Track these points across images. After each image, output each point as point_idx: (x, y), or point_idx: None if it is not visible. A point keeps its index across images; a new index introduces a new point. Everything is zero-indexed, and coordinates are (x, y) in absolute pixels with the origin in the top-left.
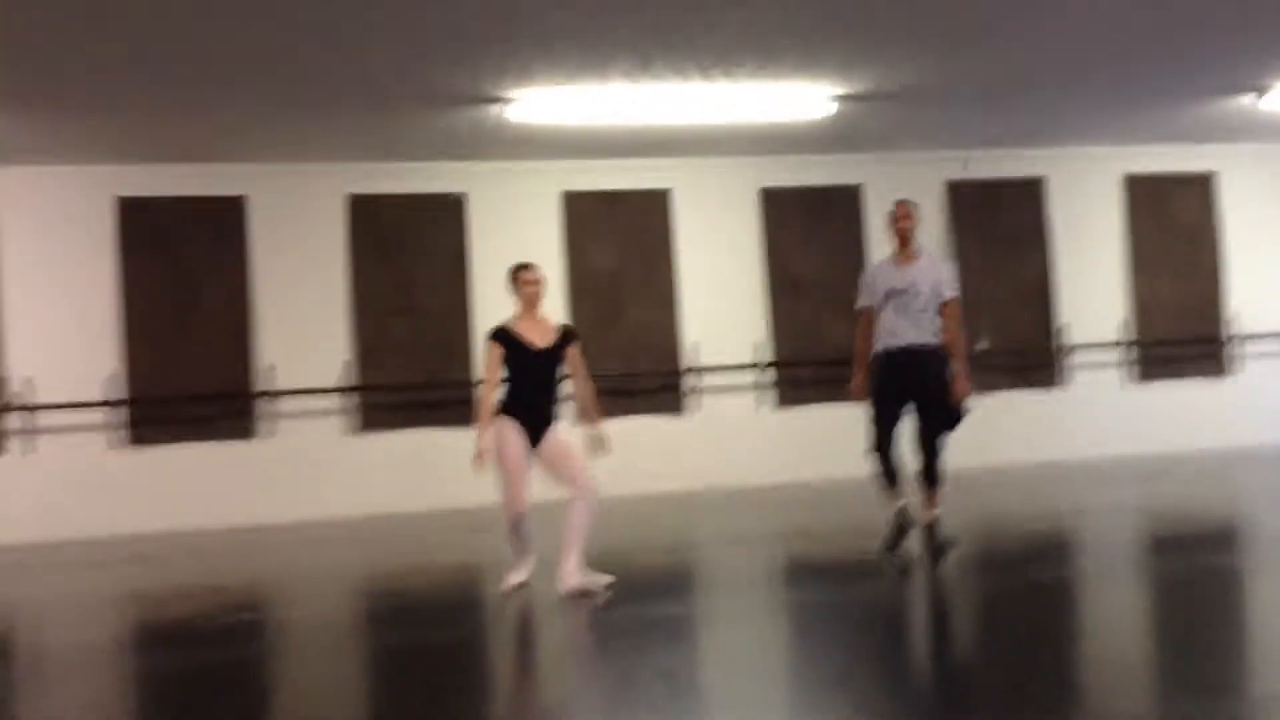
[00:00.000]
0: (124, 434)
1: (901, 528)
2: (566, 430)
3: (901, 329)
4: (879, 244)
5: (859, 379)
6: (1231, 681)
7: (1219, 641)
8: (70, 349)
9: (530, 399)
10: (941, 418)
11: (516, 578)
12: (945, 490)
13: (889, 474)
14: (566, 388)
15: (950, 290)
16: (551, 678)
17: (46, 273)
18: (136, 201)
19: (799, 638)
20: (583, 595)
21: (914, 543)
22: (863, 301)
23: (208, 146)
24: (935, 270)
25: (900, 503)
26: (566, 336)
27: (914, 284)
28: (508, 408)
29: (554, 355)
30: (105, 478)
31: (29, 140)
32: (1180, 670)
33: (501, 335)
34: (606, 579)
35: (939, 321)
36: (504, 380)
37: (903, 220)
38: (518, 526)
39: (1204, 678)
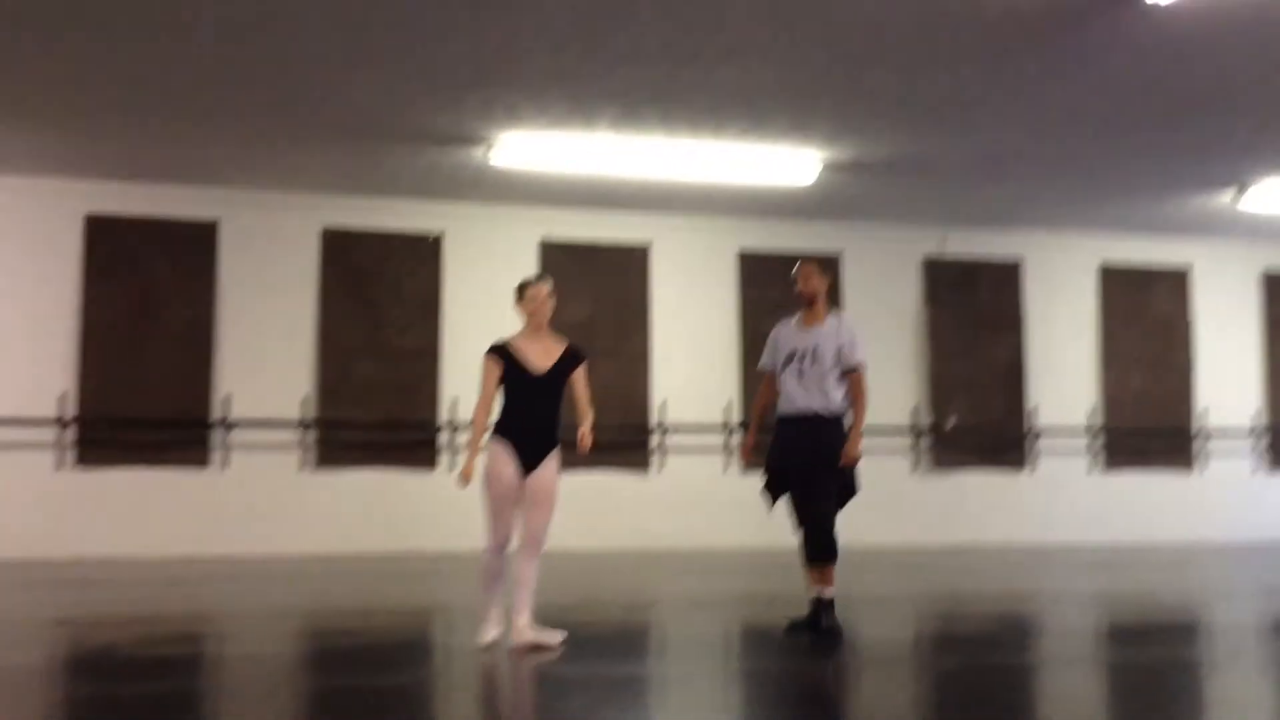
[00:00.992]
0: (72, 454)
1: (815, 614)
2: (557, 466)
3: (796, 394)
4: (854, 312)
5: (749, 441)
6: None
7: None
8: (23, 363)
9: (526, 423)
10: (826, 491)
11: (493, 632)
12: (833, 569)
13: (806, 548)
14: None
15: (854, 357)
16: None
17: (7, 284)
18: (105, 220)
19: (744, 706)
20: (536, 650)
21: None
22: (763, 362)
23: (183, 168)
24: (839, 334)
25: (813, 590)
26: (572, 357)
27: (815, 348)
28: (501, 429)
29: (555, 378)
30: (48, 497)
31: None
32: None
33: (500, 352)
34: (560, 635)
35: (840, 391)
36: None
37: (802, 281)
38: (500, 556)
39: None
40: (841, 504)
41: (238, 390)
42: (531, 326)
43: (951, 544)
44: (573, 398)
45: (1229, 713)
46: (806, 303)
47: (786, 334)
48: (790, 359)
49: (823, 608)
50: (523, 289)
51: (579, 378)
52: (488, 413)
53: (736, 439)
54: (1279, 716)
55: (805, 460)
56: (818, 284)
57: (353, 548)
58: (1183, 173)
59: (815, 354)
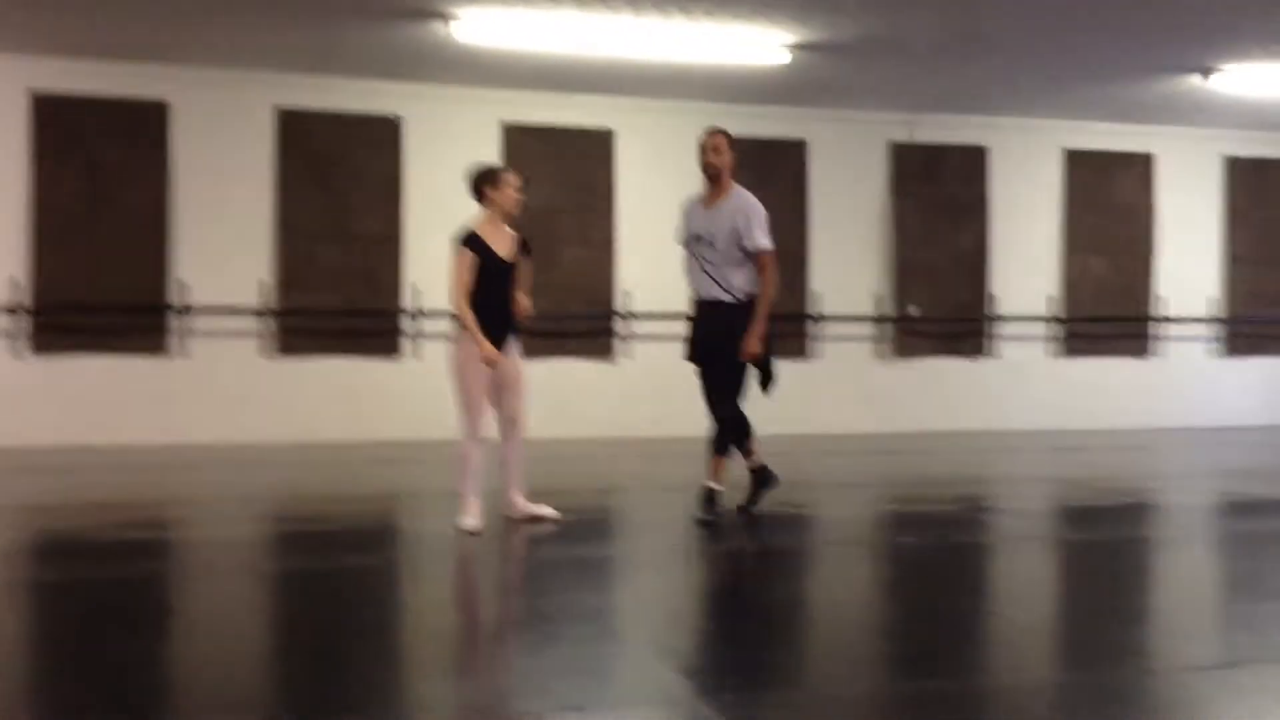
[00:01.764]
0: (27, 341)
1: (713, 503)
2: (519, 351)
3: (699, 281)
4: (820, 199)
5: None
6: (1130, 650)
7: (1120, 610)
8: None
9: (495, 312)
10: (728, 379)
11: (473, 520)
12: (729, 460)
13: (713, 439)
14: None
15: (756, 240)
16: (464, 606)
17: None
18: (53, 98)
19: (709, 583)
20: (535, 520)
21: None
22: (677, 238)
23: (131, 44)
24: (739, 215)
25: (714, 482)
26: (525, 247)
27: (713, 231)
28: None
29: (515, 267)
30: (3, 386)
31: None
32: (1078, 638)
33: (474, 242)
34: (553, 511)
35: (742, 274)
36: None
37: (710, 154)
38: (477, 442)
39: (1103, 646)
40: (765, 389)
41: (195, 276)
42: (501, 214)
43: (914, 430)
44: (520, 282)
45: (1178, 585)
46: (710, 178)
47: (692, 212)
48: (693, 241)
49: (706, 496)
50: (498, 174)
51: (526, 268)
52: (470, 300)
53: None
54: (1226, 588)
55: (708, 351)
56: (726, 157)
57: (316, 436)
58: (1150, 56)
59: (711, 236)
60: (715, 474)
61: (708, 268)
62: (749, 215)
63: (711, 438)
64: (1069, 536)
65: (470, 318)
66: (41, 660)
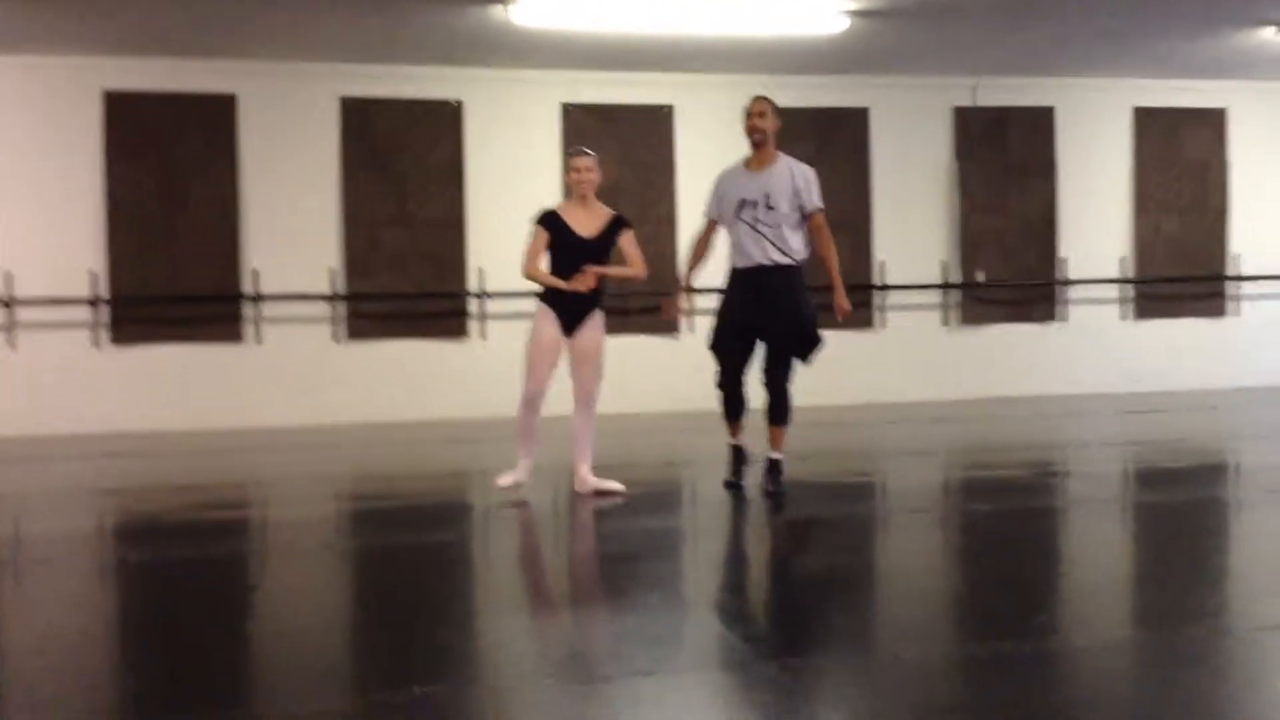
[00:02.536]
0: (107, 332)
1: (739, 462)
2: (600, 326)
3: (751, 246)
4: (883, 167)
5: (675, 300)
6: (1205, 611)
7: (1195, 572)
8: (52, 244)
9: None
10: (791, 348)
11: (514, 476)
12: (789, 429)
13: (730, 409)
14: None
15: (816, 201)
16: (535, 577)
17: (29, 164)
18: (124, 95)
19: (778, 553)
20: (602, 495)
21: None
22: (709, 211)
23: (197, 40)
24: (794, 178)
25: (738, 440)
26: (616, 226)
27: (769, 194)
28: (547, 293)
29: (600, 246)
30: (88, 375)
31: (12, 27)
32: (1151, 600)
33: (548, 220)
34: (620, 485)
35: (799, 237)
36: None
37: (756, 118)
38: (530, 408)
39: (1176, 607)
40: (809, 356)
41: (266, 265)
42: (576, 196)
43: (983, 397)
44: (627, 262)
45: (1254, 547)
46: (756, 143)
47: (733, 181)
48: (741, 208)
49: (773, 469)
50: (568, 159)
51: (628, 242)
52: (536, 264)
53: None
54: None
55: (768, 317)
56: (771, 122)
57: (386, 417)
58: (1220, 10)
59: (769, 200)
60: (776, 444)
61: (766, 231)
62: (807, 177)
63: (770, 406)
64: (1142, 499)
65: (539, 273)
66: (130, 636)
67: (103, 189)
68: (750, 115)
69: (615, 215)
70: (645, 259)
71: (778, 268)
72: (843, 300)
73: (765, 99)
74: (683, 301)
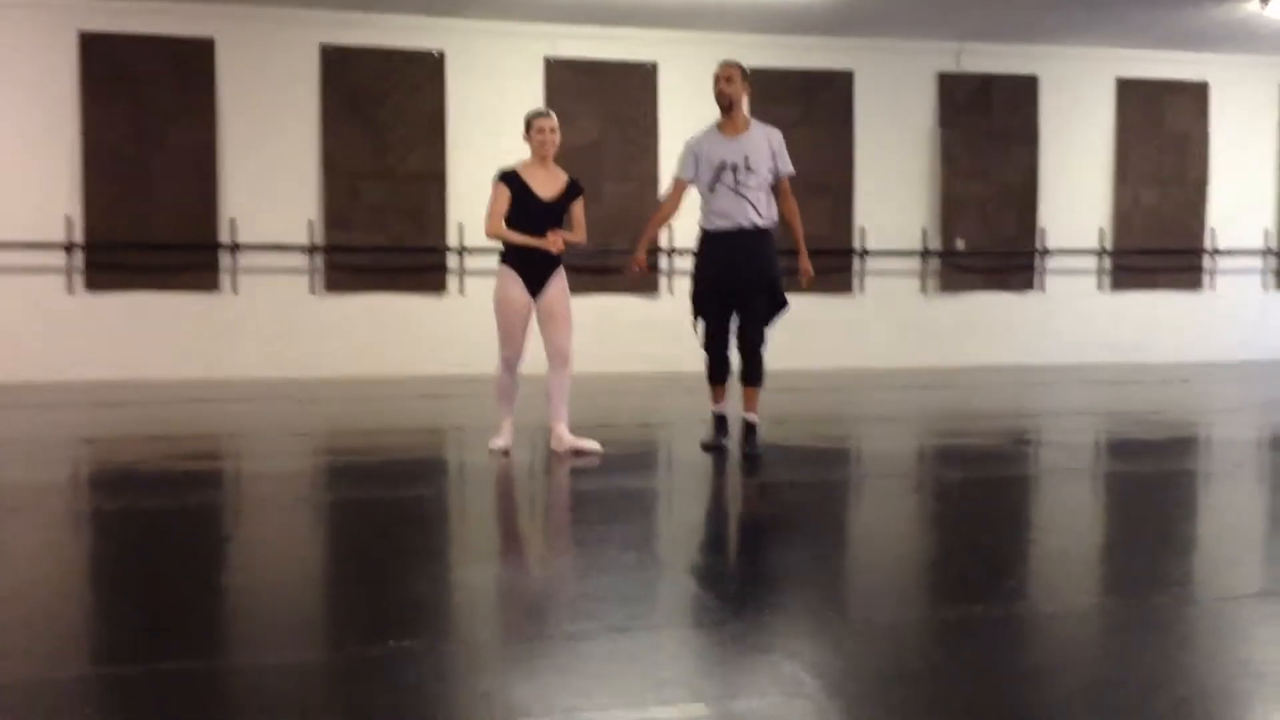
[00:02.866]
0: (81, 278)
1: (720, 426)
2: (564, 284)
3: (732, 208)
4: (866, 131)
5: (642, 255)
6: (1171, 580)
7: (1162, 541)
8: (26, 187)
9: (533, 249)
10: (763, 311)
11: (501, 441)
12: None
13: (716, 371)
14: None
15: (788, 166)
16: (509, 535)
17: (3, 106)
18: (100, 37)
19: (750, 515)
20: (578, 454)
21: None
22: (683, 174)
23: None
24: (774, 141)
25: (721, 406)
26: (573, 190)
27: (748, 157)
28: (508, 255)
29: (559, 208)
30: (61, 321)
31: None
32: (1118, 568)
33: (510, 179)
34: (597, 444)
35: (770, 201)
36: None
37: (723, 83)
38: (510, 371)
39: (1144, 576)
40: (773, 319)
41: (244, 214)
42: (537, 158)
43: (960, 365)
44: (571, 223)
45: (1222, 517)
46: (725, 108)
47: (710, 145)
48: (721, 170)
49: (750, 431)
50: (530, 120)
51: (578, 207)
52: (502, 223)
53: None
54: (1270, 520)
55: (749, 278)
56: (740, 88)
57: (363, 371)
58: None
59: (748, 164)
60: (752, 405)
61: (745, 193)
62: (781, 142)
63: (746, 368)
64: (1113, 469)
65: (507, 232)
66: (105, 585)
67: (78, 132)
68: (717, 80)
69: (572, 180)
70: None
71: (756, 230)
72: (808, 265)
73: (733, 64)
74: (643, 259)
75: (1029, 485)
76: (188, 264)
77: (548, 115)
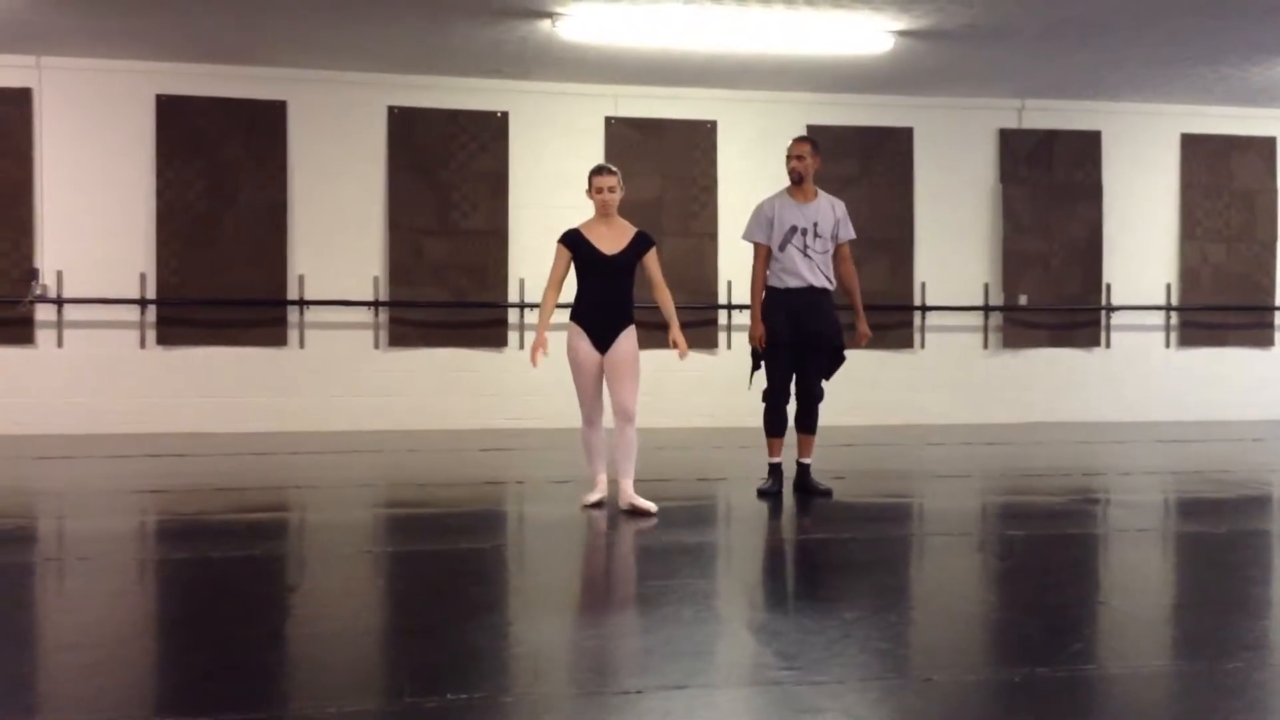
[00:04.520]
0: (154, 333)
1: (778, 476)
2: (633, 341)
3: (804, 269)
4: (926, 187)
5: (761, 324)
6: (1243, 644)
7: (1234, 604)
8: (103, 245)
9: (598, 305)
10: (832, 361)
11: (593, 496)
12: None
13: (779, 424)
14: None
15: (850, 232)
16: (570, 588)
17: (82, 166)
18: (176, 100)
19: (808, 572)
20: (635, 513)
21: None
22: (759, 237)
23: (250, 48)
24: (838, 209)
25: (780, 457)
26: (641, 244)
27: (817, 223)
28: (575, 313)
29: (625, 261)
30: (133, 375)
31: (68, 29)
32: (1188, 630)
33: (570, 238)
34: (654, 505)
35: (832, 265)
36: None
37: (796, 161)
38: (591, 426)
39: (1214, 639)
40: (833, 372)
41: (311, 271)
42: (600, 214)
43: (1023, 422)
44: (648, 282)
45: None
46: (798, 179)
47: (784, 210)
48: (792, 234)
49: (808, 473)
50: (591, 176)
51: (651, 261)
52: (556, 294)
53: None
54: None
55: (817, 333)
56: (810, 164)
57: (425, 424)
58: (1268, 37)
59: (817, 230)
60: (810, 451)
61: (815, 256)
62: (844, 211)
63: (806, 417)
64: (1183, 529)
65: (545, 310)
66: (170, 634)
67: (153, 191)
68: (791, 158)
69: (639, 233)
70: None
71: (824, 290)
72: (865, 327)
73: (805, 140)
74: (763, 327)
75: (1095, 544)
76: (257, 319)
77: (608, 173)
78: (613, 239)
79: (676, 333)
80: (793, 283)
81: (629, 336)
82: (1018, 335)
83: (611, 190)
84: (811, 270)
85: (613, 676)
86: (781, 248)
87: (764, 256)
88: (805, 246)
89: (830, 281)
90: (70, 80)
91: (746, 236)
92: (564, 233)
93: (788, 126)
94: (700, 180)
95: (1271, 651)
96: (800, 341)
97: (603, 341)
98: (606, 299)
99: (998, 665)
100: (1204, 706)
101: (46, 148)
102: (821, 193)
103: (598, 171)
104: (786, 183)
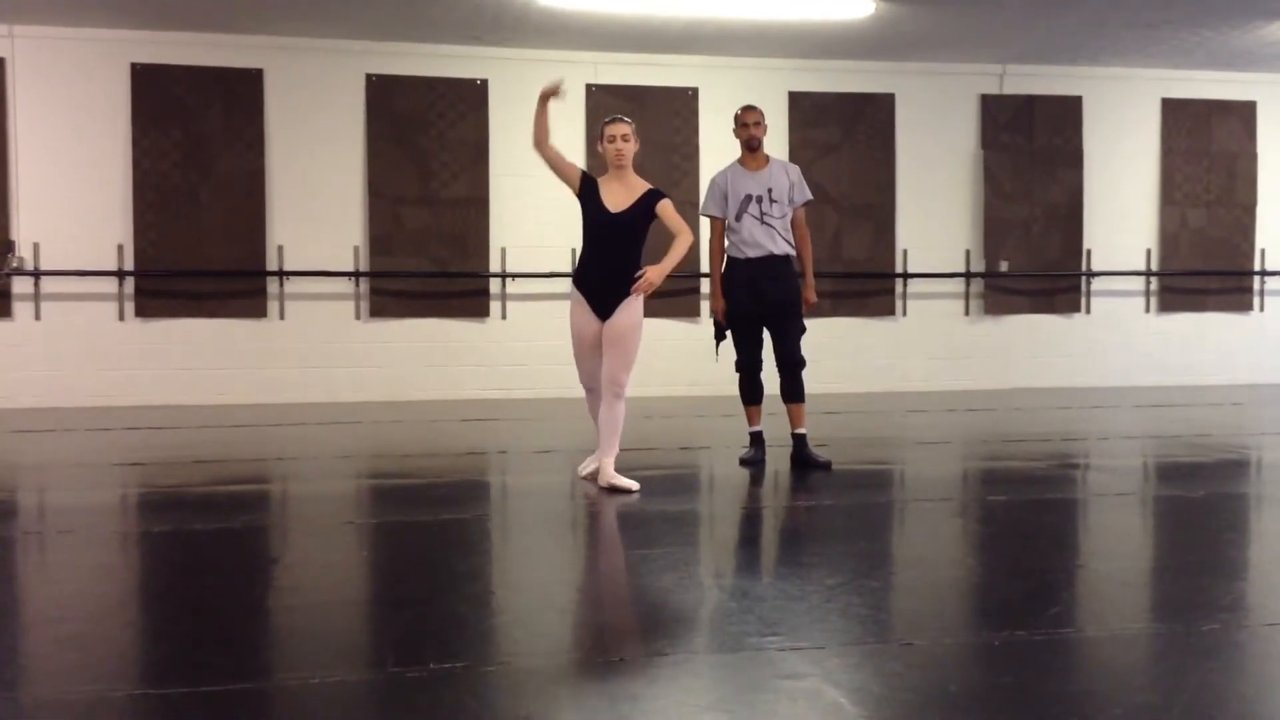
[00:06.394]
0: (132, 305)
1: (759, 445)
2: (634, 311)
3: (761, 237)
4: (908, 154)
5: (721, 299)
6: (1220, 606)
7: (1212, 566)
8: (80, 216)
9: (600, 269)
10: (797, 332)
11: (590, 465)
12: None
13: (753, 393)
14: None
15: (806, 194)
16: (552, 557)
17: (57, 136)
18: (152, 69)
19: (790, 538)
20: (614, 491)
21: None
22: (714, 210)
23: (226, 16)
24: (788, 173)
25: (759, 425)
26: (649, 199)
27: (771, 189)
28: (577, 278)
29: (632, 220)
30: (111, 347)
31: None
32: (1166, 593)
33: (586, 177)
34: (635, 484)
35: (789, 230)
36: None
37: (754, 127)
38: (589, 399)
39: (1192, 601)
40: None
41: (291, 241)
42: (613, 168)
43: (1005, 388)
44: (668, 233)
45: (1274, 542)
46: (756, 146)
47: (737, 180)
48: (747, 203)
49: (804, 443)
50: (601, 129)
51: (664, 211)
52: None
53: None
54: None
55: (779, 304)
56: (763, 129)
57: (407, 395)
58: (1251, 2)
59: (772, 195)
60: (801, 420)
61: (774, 223)
62: (799, 174)
63: (790, 386)
64: (1161, 493)
65: (537, 122)
66: (153, 606)
67: (129, 162)
68: (746, 125)
69: (649, 189)
70: (668, 241)
71: (785, 256)
72: (812, 292)
73: (756, 108)
74: (721, 302)
75: (1075, 509)
76: (236, 290)
77: (621, 121)
78: (621, 195)
79: (652, 268)
80: (752, 253)
81: (630, 307)
82: (999, 302)
83: (626, 139)
84: (770, 237)
85: (595, 644)
86: (738, 218)
87: (720, 230)
88: (762, 214)
89: (791, 246)
90: (44, 49)
91: (703, 211)
92: (586, 171)
93: (769, 93)
94: (682, 148)
95: (1248, 613)
96: (766, 312)
97: (603, 308)
98: (609, 263)
99: (978, 629)
100: (1181, 668)
101: (20, 118)
102: (773, 158)
103: (609, 120)
104: (779, 151)
